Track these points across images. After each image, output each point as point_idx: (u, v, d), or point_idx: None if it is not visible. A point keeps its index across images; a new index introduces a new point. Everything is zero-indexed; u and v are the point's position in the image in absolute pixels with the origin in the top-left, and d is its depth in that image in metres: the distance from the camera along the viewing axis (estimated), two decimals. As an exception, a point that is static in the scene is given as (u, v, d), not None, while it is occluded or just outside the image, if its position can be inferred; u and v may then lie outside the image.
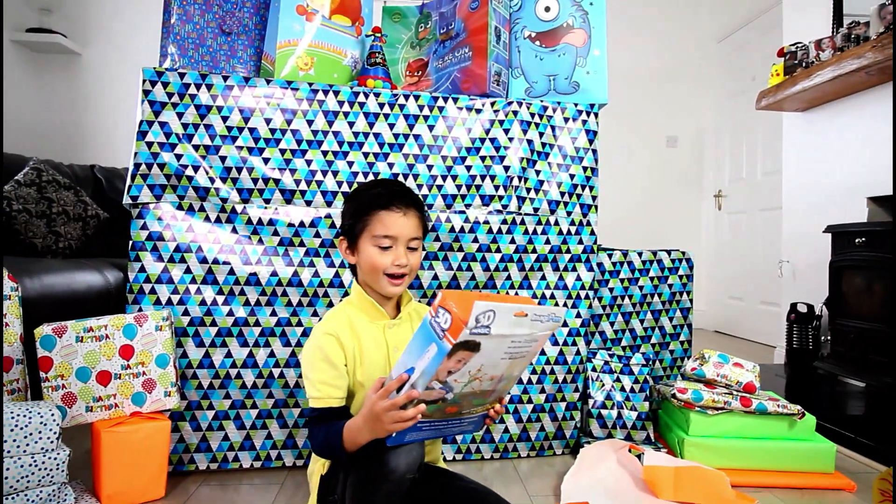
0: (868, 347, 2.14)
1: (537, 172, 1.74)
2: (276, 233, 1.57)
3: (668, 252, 2.06)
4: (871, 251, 2.15)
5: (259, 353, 1.55)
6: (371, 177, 1.62)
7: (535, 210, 1.73)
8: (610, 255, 1.92)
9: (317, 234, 1.58)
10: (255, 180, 1.56)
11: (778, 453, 1.58)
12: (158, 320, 1.40)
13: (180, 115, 1.53)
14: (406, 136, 1.65)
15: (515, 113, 1.70)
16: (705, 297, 4.37)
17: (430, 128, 1.67)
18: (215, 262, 1.53)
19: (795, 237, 3.03)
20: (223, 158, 1.55)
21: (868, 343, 2.14)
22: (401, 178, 1.64)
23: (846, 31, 2.47)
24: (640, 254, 1.99)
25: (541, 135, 1.74)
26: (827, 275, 2.43)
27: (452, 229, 1.65)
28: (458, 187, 1.67)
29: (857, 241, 2.23)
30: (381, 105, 1.64)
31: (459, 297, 0.85)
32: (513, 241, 1.70)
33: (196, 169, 1.53)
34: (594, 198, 1.80)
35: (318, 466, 1.13)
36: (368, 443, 0.97)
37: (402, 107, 1.65)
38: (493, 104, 1.70)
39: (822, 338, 2.65)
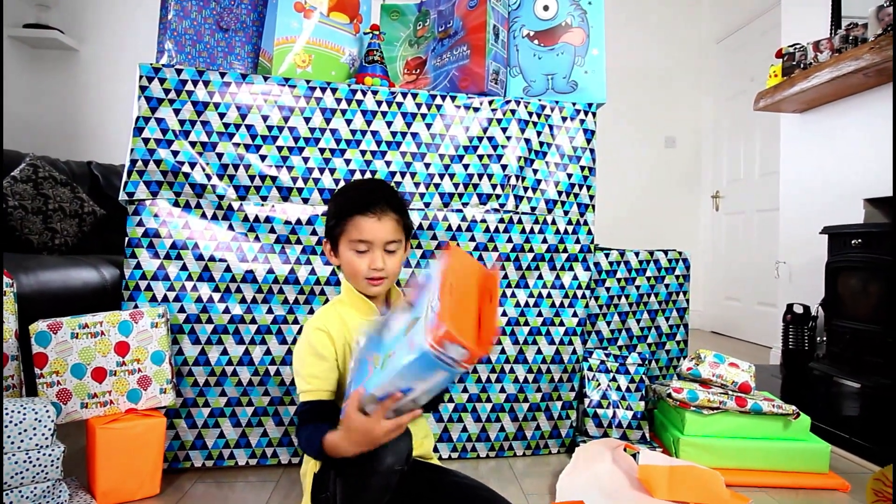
0: (863, 348, 2.15)
1: (535, 171, 1.74)
2: (272, 230, 1.56)
3: (665, 252, 2.06)
4: (867, 253, 2.16)
5: (255, 350, 1.55)
6: (368, 174, 1.62)
7: (533, 209, 1.73)
8: (607, 255, 1.92)
9: (313, 232, 1.58)
10: (251, 177, 1.56)
11: (773, 453, 1.58)
12: (154, 317, 1.40)
13: (177, 112, 1.52)
14: (403, 135, 1.65)
15: (513, 112, 1.70)
16: (702, 297, 4.37)
17: (428, 126, 1.67)
18: (211, 259, 1.53)
19: (792, 238, 3.04)
20: (220, 155, 1.54)
21: (863, 344, 2.15)
22: (398, 177, 1.64)
23: (844, 32, 2.47)
24: (636, 254, 2.00)
25: (538, 134, 1.74)
26: (823, 276, 2.43)
27: (449, 228, 1.65)
28: (456, 186, 1.67)
29: (853, 242, 2.23)
30: (379, 103, 1.64)
31: (454, 311, 0.81)
32: (510, 240, 1.70)
33: (193, 166, 1.53)
34: (591, 197, 1.80)
35: (310, 466, 1.13)
36: None
37: (399, 105, 1.65)
38: (490, 103, 1.70)
39: (818, 339, 2.66)
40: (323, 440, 0.99)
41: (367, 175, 1.62)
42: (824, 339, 2.46)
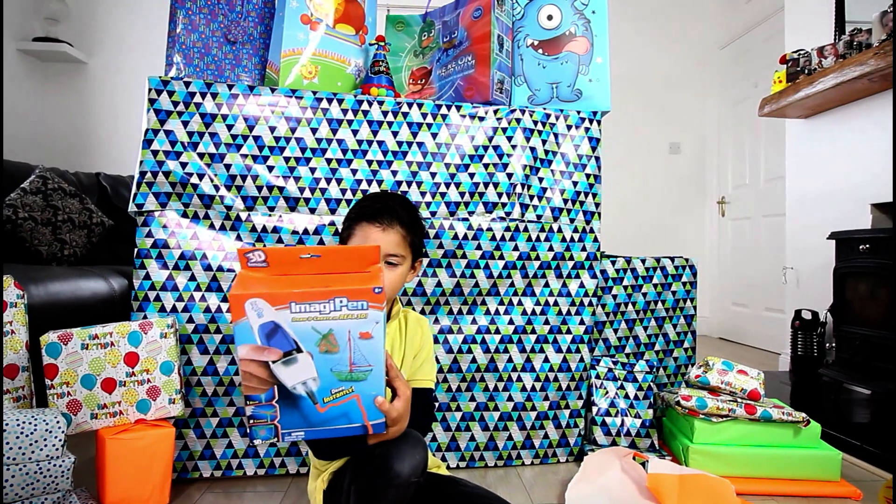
0: (873, 354, 2.13)
1: (540, 180, 1.74)
2: (280, 240, 1.57)
3: (672, 259, 2.06)
4: (875, 258, 2.15)
5: (263, 360, 1.55)
6: (375, 184, 1.63)
7: (539, 217, 1.73)
8: (613, 262, 1.92)
9: (321, 242, 1.59)
10: (259, 188, 1.57)
11: (783, 461, 1.57)
12: (163, 327, 1.41)
13: (185, 124, 1.54)
14: (409, 144, 1.66)
15: (518, 120, 1.71)
16: (709, 303, 4.36)
17: (434, 135, 1.67)
18: (220, 269, 1.54)
19: (799, 244, 3.02)
20: (228, 166, 1.56)
21: (873, 350, 2.13)
22: (404, 186, 1.64)
23: (848, 38, 2.48)
24: (643, 260, 1.99)
25: (544, 142, 1.74)
26: (831, 281, 2.42)
27: (456, 236, 1.66)
28: (462, 194, 1.68)
29: (861, 247, 2.22)
30: (385, 113, 1.65)
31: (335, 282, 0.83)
32: (516, 248, 1.70)
33: (201, 177, 1.54)
34: (597, 205, 1.80)
35: (318, 483, 1.13)
36: (371, 449, 0.98)
37: (405, 115, 1.66)
38: (495, 112, 1.70)
39: (827, 345, 2.64)
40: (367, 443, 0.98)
41: (374, 185, 1.63)
42: (833, 345, 2.44)
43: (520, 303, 1.71)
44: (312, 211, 1.60)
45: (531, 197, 1.72)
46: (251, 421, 0.85)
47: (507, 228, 1.69)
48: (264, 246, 0.80)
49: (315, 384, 0.84)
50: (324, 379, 0.84)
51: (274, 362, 0.83)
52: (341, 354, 0.84)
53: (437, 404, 1.65)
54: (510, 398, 1.70)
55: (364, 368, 0.85)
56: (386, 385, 0.94)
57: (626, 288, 1.95)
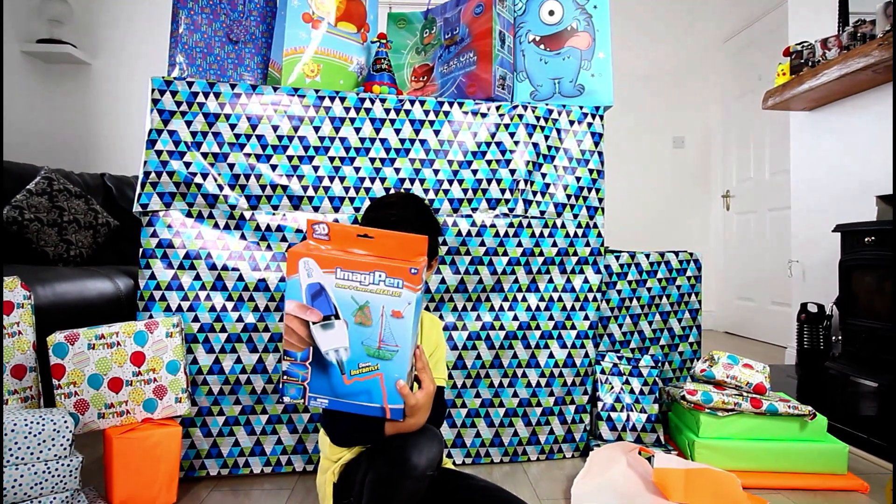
0: (879, 347, 2.12)
1: (543, 175, 1.74)
2: (284, 239, 1.58)
3: (676, 253, 2.05)
4: (881, 250, 2.14)
5: (268, 358, 1.56)
6: (378, 182, 1.63)
7: (542, 213, 1.73)
8: (617, 257, 1.92)
9: (324, 240, 1.59)
10: (263, 187, 1.57)
11: (789, 454, 1.57)
12: (169, 327, 1.42)
13: (189, 124, 1.54)
14: (412, 141, 1.66)
15: (521, 116, 1.71)
16: (714, 297, 4.34)
17: (436, 132, 1.67)
18: (224, 268, 1.55)
19: (804, 237, 3.01)
20: (231, 165, 1.56)
21: (879, 343, 2.13)
22: (407, 183, 1.65)
23: (852, 29, 2.46)
24: (647, 255, 1.99)
25: (546, 138, 1.74)
26: (837, 274, 2.41)
27: (459, 233, 1.66)
28: (465, 191, 1.68)
29: (866, 240, 2.21)
30: (387, 111, 1.65)
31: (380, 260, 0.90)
32: (520, 245, 1.70)
33: (205, 176, 1.54)
34: (601, 200, 1.80)
35: (328, 476, 1.14)
36: (387, 441, 1.00)
37: (407, 112, 1.66)
38: (498, 108, 1.70)
39: (834, 338, 2.63)
40: (384, 431, 1.01)
41: (377, 182, 1.63)
42: (840, 338, 2.44)
43: (524, 299, 1.71)
44: (316, 209, 1.60)
45: (534, 193, 1.72)
46: (284, 377, 0.92)
47: (511, 225, 1.69)
48: (327, 221, 0.92)
49: (345, 354, 0.91)
50: (354, 351, 0.91)
51: (314, 323, 0.90)
52: (373, 329, 0.90)
53: (442, 401, 1.66)
54: (515, 394, 1.70)
55: (392, 348, 0.90)
56: (413, 377, 0.98)
57: (630, 283, 1.95)
